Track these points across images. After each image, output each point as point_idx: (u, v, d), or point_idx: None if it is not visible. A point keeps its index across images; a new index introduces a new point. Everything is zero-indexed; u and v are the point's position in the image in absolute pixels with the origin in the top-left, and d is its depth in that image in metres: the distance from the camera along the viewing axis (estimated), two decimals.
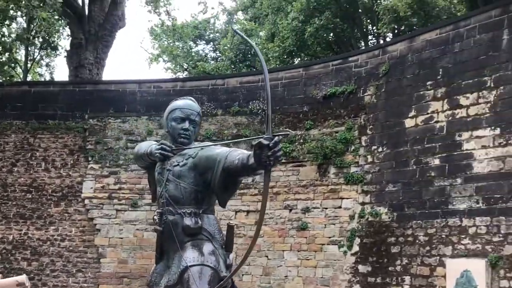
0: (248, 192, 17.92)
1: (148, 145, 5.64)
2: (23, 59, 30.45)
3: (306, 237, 17.25)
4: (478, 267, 13.29)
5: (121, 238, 18.61)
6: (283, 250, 17.53)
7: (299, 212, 17.45)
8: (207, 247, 5.24)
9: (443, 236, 14.33)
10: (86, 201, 18.83)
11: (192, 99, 5.72)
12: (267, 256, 17.64)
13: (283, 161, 17.40)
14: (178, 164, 5.35)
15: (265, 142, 4.40)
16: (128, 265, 18.43)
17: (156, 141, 5.78)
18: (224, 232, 5.48)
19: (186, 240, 5.26)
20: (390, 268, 15.23)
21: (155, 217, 5.37)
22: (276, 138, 4.42)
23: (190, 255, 5.13)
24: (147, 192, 18.12)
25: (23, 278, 5.13)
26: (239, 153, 4.92)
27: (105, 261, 18.47)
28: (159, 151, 5.38)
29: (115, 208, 18.77)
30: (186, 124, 5.49)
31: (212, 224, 5.39)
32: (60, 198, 18.86)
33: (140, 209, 18.65)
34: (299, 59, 29.84)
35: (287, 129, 4.81)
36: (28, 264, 18.42)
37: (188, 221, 5.25)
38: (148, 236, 18.32)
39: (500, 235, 13.28)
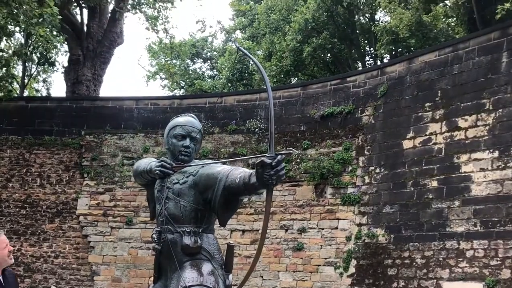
0: (244, 211, 17.81)
1: (148, 162, 5.54)
2: (20, 74, 30.43)
3: (302, 258, 17.13)
4: None
5: (115, 256, 18.44)
6: (279, 271, 17.39)
7: (295, 232, 17.34)
8: (206, 267, 5.13)
9: (440, 259, 14.23)
10: (81, 218, 18.69)
11: (193, 116, 5.63)
12: (262, 277, 17.49)
13: None
14: (178, 182, 5.25)
15: (268, 160, 4.32)
16: (122, 283, 18.24)
17: (155, 158, 5.68)
18: (224, 252, 5.37)
19: (185, 260, 5.15)
20: None
21: (154, 235, 5.25)
22: (279, 157, 4.34)
23: (189, 275, 5.02)
24: (142, 209, 18.02)
25: None
26: (241, 172, 4.83)
27: (99, 279, 18.28)
28: (159, 168, 5.29)
29: (109, 225, 18.62)
30: (187, 142, 5.39)
31: (211, 243, 5.27)
32: (54, 214, 18.73)
33: (135, 227, 18.51)
34: (296, 78, 29.92)
35: (290, 148, 4.71)
36: (21, 281, 18.18)
37: (187, 240, 5.14)
38: (142, 254, 18.18)
39: (498, 259, 13.20)
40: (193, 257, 5.17)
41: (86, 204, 18.81)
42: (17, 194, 18.96)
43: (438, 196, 14.69)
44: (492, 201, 13.64)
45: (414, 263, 14.75)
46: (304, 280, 16.93)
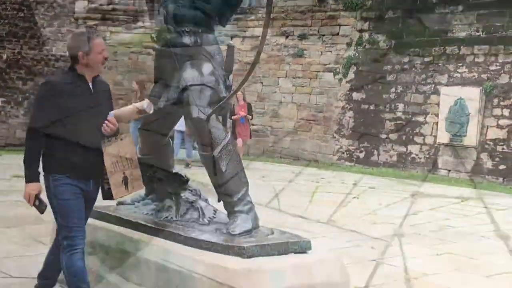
0: (244, 17, 17.56)
1: None
2: None
3: (301, 64, 17.19)
4: (472, 95, 13.37)
5: (116, 60, 18.46)
6: (278, 77, 17.54)
7: (296, 39, 17.24)
8: (207, 67, 5.08)
9: (440, 64, 14.28)
10: (79, 22, 18.44)
11: None
12: (262, 83, 17.67)
13: None
14: None
15: None
16: (123, 87, 18.41)
17: None
18: (224, 53, 5.32)
19: (185, 60, 5.11)
20: (384, 96, 15.32)
21: (153, 34, 5.21)
22: None
23: (189, 75, 4.99)
24: (141, 14, 17.75)
25: (143, 104, 4.57)
26: None
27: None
28: None
29: (109, 29, 18.45)
30: None
31: (211, 44, 5.21)
32: (52, 17, 18.44)
33: (134, 31, 18.34)
34: None
35: None
36: (23, 83, 18.36)
37: (186, 40, 5.05)
38: (142, 59, 18.19)
39: (497, 64, 13.24)
40: (193, 57, 5.12)
41: (84, 7, 18.51)
42: None
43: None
44: (496, 5, 13.39)
45: (414, 69, 14.81)
46: (303, 86, 17.12)
